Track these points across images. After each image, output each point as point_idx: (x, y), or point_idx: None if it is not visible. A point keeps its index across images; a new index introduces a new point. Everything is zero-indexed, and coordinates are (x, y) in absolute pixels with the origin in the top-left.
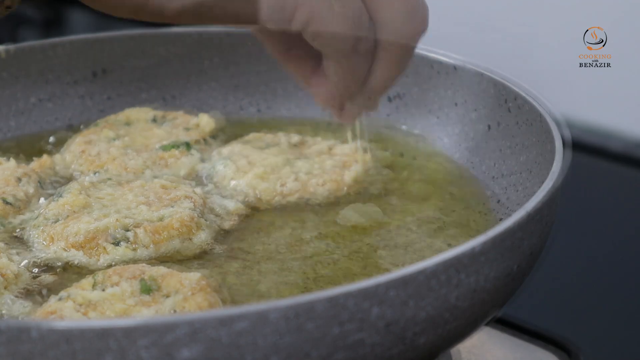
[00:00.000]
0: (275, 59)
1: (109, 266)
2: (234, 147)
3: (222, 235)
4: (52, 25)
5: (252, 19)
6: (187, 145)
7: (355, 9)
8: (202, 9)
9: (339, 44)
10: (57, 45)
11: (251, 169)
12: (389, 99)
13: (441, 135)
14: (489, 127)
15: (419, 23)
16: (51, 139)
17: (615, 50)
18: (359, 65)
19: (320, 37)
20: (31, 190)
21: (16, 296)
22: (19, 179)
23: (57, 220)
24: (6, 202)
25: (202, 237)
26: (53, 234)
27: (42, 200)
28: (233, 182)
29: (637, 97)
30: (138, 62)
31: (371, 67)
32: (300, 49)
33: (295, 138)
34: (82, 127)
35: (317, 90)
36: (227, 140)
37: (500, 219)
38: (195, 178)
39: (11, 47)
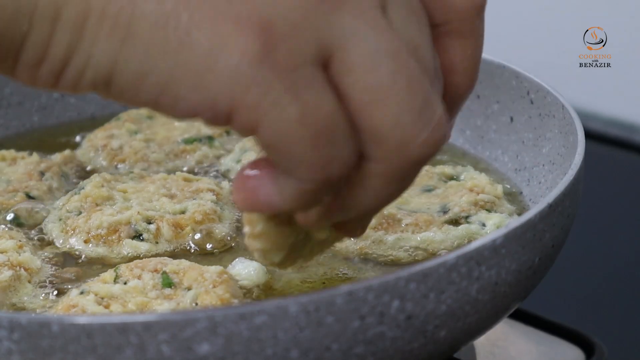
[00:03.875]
0: None
1: (131, 259)
2: None
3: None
4: None
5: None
6: (210, 139)
7: (325, 113)
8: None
9: (303, 167)
10: None
11: None
12: None
13: (463, 128)
14: (511, 119)
15: (427, 130)
16: (77, 137)
17: (617, 50)
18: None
19: (274, 152)
20: (54, 184)
21: (37, 289)
22: (42, 173)
23: (79, 213)
24: (29, 196)
25: (224, 230)
26: (75, 226)
27: (64, 193)
28: None
29: None
30: None
31: (359, 184)
32: None
33: None
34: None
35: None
36: None
37: (522, 211)
38: (217, 171)
39: None
